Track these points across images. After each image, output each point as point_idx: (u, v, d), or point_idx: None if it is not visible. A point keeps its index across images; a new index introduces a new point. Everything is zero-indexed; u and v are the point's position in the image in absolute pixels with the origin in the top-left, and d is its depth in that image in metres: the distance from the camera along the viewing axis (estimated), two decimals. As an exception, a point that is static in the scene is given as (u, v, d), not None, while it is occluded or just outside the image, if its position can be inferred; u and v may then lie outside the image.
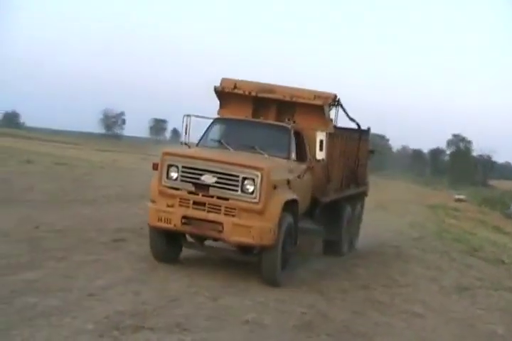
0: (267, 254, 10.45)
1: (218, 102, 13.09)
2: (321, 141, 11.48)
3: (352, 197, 15.61)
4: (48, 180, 20.45)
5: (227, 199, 10.25)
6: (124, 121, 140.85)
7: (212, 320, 8.05)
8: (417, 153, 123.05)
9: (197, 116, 12.05)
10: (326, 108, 12.42)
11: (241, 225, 10.11)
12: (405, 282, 12.63)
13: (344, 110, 13.26)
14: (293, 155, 11.69)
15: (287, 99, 12.44)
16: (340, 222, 14.31)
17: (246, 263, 11.16)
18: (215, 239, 10.85)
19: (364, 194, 17.31)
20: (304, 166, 11.75)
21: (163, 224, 10.44)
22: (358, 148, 15.28)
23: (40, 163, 28.44)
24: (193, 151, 11.16)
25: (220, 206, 10.28)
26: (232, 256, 11.28)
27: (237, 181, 10.21)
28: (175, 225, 10.33)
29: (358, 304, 10.27)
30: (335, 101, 12.62)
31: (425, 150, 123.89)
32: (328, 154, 12.34)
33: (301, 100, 12.38)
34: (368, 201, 23.09)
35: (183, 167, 10.45)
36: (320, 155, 11.55)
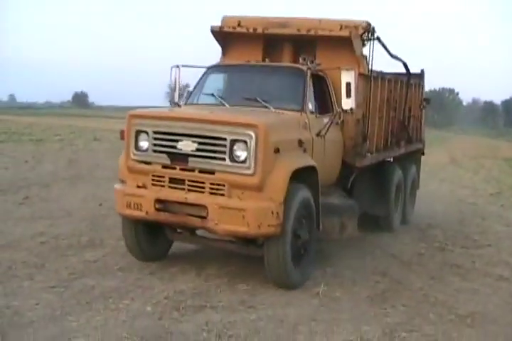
0: (271, 246, 7.42)
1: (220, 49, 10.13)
2: (348, 84, 8.15)
3: (403, 158, 12.39)
4: (112, 156, 18.92)
5: (212, 172, 7.30)
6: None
7: (279, 295, 7.43)
8: (489, 105, 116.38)
9: (187, 66, 9.12)
10: (356, 41, 9.15)
11: (231, 208, 7.13)
12: (485, 242, 11.23)
13: (383, 45, 9.85)
14: (310, 107, 8.47)
15: (304, 32, 9.16)
16: (387, 191, 11.10)
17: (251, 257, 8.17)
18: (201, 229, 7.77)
19: (419, 153, 13.84)
20: (326, 120, 8.34)
21: (132, 212, 7.73)
22: (408, 96, 11.74)
23: (105, 140, 29.63)
24: (166, 111, 8.06)
25: (203, 182, 7.37)
26: (230, 249, 8.19)
27: (224, 146, 7.22)
28: (147, 212, 7.59)
29: (435, 269, 9.11)
30: (368, 32, 9.15)
31: (497, 101, 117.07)
32: (364, 103, 9.35)
33: (322, 32, 9.13)
34: (439, 158, 22.22)
35: (154, 132, 7.65)
36: (347, 103, 8.23)
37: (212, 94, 8.78)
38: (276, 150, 7.16)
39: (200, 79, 9.20)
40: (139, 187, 7.71)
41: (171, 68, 9.00)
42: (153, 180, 7.65)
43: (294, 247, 7.48)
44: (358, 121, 9.33)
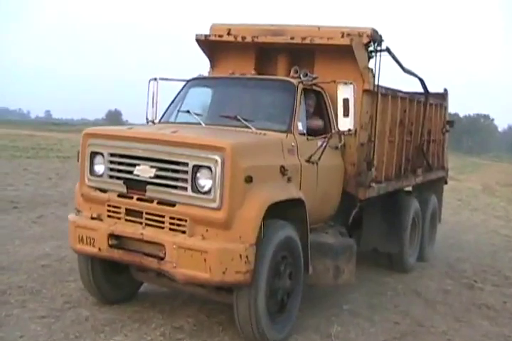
0: (241, 297, 5.94)
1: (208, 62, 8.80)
2: (346, 101, 6.67)
3: (421, 188, 10.82)
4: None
5: (173, 204, 5.87)
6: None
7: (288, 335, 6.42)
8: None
9: (166, 79, 7.84)
10: (360, 51, 7.69)
11: (191, 248, 5.67)
12: None
13: (394, 58, 8.31)
14: (300, 127, 6.96)
15: (299, 41, 7.77)
16: (400, 225, 9.46)
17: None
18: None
19: (441, 182, 12.17)
20: (319, 143, 6.86)
21: (84, 247, 6.39)
22: (426, 118, 10.11)
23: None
24: (123, 129, 6.67)
25: (162, 216, 5.95)
26: (199, 294, 6.69)
27: (186, 173, 5.80)
28: (100, 249, 6.24)
29: (462, 309, 8.10)
30: (374, 42, 7.66)
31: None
32: (370, 124, 7.89)
33: (319, 41, 7.73)
34: (472, 185, 24.45)
35: (110, 155, 6.32)
36: (344, 123, 6.74)
37: (188, 111, 7.34)
38: (249, 179, 5.70)
39: (179, 93, 7.82)
40: (93, 218, 6.36)
41: (149, 81, 7.71)
42: (108, 210, 6.30)
43: (270, 298, 6.00)
44: (362, 145, 7.83)
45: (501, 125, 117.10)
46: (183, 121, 7.37)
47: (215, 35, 8.28)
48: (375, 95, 7.92)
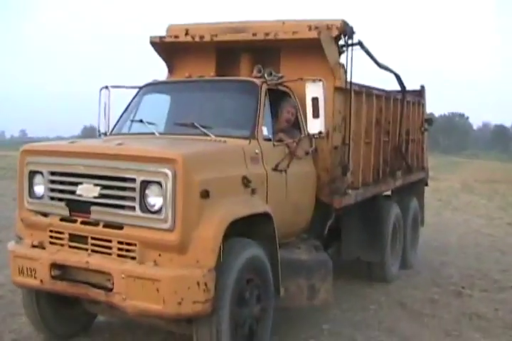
0: (201, 328, 5.08)
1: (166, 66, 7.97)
2: (315, 100, 5.87)
3: (401, 191, 10.03)
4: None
5: (120, 227, 5.04)
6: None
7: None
8: (500, 129, 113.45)
9: (118, 87, 7.01)
10: (329, 45, 6.89)
11: (141, 277, 4.82)
12: (508, 282, 9.35)
13: (368, 52, 7.55)
14: (265, 132, 6.12)
15: (262, 37, 6.96)
16: (380, 232, 8.66)
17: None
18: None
19: (422, 184, 11.39)
20: (287, 149, 6.05)
21: (25, 279, 5.49)
22: (404, 117, 9.31)
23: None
24: (63, 144, 5.83)
25: (109, 241, 5.13)
26: (157, 325, 5.74)
27: (134, 190, 4.97)
28: (42, 281, 5.35)
29: (451, 320, 7.41)
30: (345, 35, 6.86)
31: (508, 124, 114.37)
32: (344, 125, 7.14)
33: (284, 36, 6.90)
34: (450, 184, 23.50)
35: (50, 173, 5.50)
36: (314, 125, 5.94)
37: (141, 121, 6.49)
38: (205, 194, 4.88)
39: (131, 101, 6.96)
40: (34, 246, 5.51)
41: (100, 90, 6.91)
42: (51, 237, 5.47)
43: (236, 327, 5.17)
44: (336, 149, 7.05)
45: (476, 123, 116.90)
46: (137, 131, 6.54)
47: (171, 36, 7.46)
48: (348, 93, 7.14)
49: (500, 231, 14.40)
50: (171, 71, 7.80)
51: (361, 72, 7.35)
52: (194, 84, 6.83)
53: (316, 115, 5.85)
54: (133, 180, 4.92)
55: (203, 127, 5.94)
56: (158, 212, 4.84)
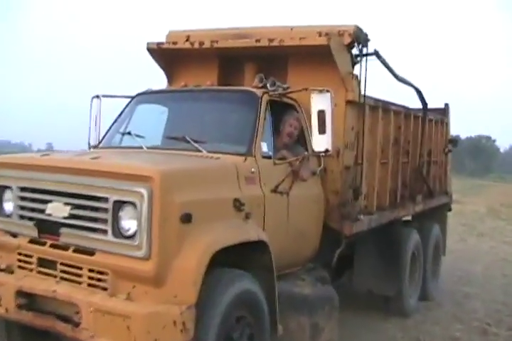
0: None
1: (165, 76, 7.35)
2: (321, 114, 5.15)
3: (421, 217, 9.18)
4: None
5: (91, 252, 4.38)
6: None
7: None
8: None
9: (110, 96, 6.50)
10: (340, 53, 6.21)
11: (110, 312, 4.11)
12: None
13: (384, 63, 6.81)
14: (264, 148, 5.40)
15: (266, 44, 6.29)
16: (398, 262, 7.86)
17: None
18: None
19: (445, 209, 10.56)
20: (289, 168, 5.34)
21: None
22: (425, 135, 8.57)
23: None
24: (35, 157, 5.19)
25: (79, 267, 4.47)
26: None
27: (106, 211, 4.30)
28: (7, 309, 4.71)
29: None
30: (359, 43, 6.16)
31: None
32: (356, 143, 6.42)
33: (290, 42, 6.22)
34: (476, 208, 22.19)
35: (20, 189, 4.90)
36: (320, 142, 5.22)
37: (129, 133, 5.83)
38: (186, 218, 4.18)
39: (122, 112, 6.31)
40: (1, 270, 4.89)
41: (91, 99, 6.31)
42: (19, 260, 4.85)
43: None
44: (347, 169, 6.32)
45: (503, 145, 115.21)
46: (128, 144, 5.87)
47: (170, 43, 6.83)
48: (362, 108, 6.41)
49: (530, 261, 13.49)
50: (170, 80, 7.17)
51: (378, 85, 6.68)
52: (189, 94, 6.16)
53: (322, 130, 5.14)
54: (105, 199, 4.27)
55: (196, 141, 5.27)
56: (133, 237, 4.17)
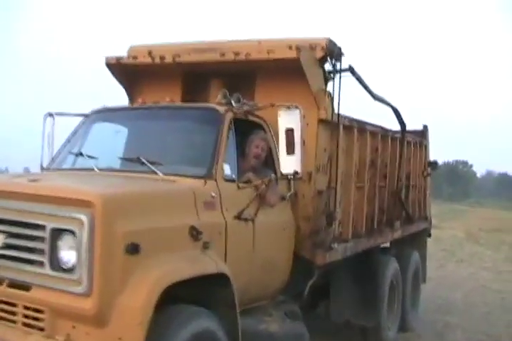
0: None
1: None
2: (289, 133, 4.65)
3: (400, 243, 8.69)
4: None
5: (27, 288, 3.85)
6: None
7: None
8: (504, 177, 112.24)
9: (64, 115, 5.94)
10: (311, 69, 5.75)
11: None
12: None
13: (359, 80, 6.36)
14: (227, 171, 4.87)
15: (231, 58, 5.85)
16: (376, 291, 7.31)
17: None
18: None
19: (424, 235, 10.10)
20: (255, 193, 4.87)
21: None
22: (404, 158, 8.12)
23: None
24: None
25: (14, 304, 3.92)
26: None
27: (43, 241, 3.77)
28: None
29: None
30: (332, 57, 5.71)
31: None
32: (329, 165, 5.90)
33: (257, 56, 5.74)
34: (454, 233, 21.69)
35: None
36: (288, 163, 4.72)
37: (81, 154, 5.30)
38: (132, 249, 3.66)
39: (76, 130, 5.78)
40: None
41: (44, 117, 5.77)
42: None
43: None
44: (320, 194, 5.82)
45: (479, 170, 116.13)
46: (81, 166, 5.33)
47: (130, 58, 6.33)
48: (336, 127, 5.93)
49: (509, 287, 13.04)
50: (131, 98, 6.65)
51: (352, 104, 6.22)
52: (147, 112, 5.65)
53: (290, 151, 4.66)
54: (43, 227, 3.74)
55: (152, 163, 4.74)
56: (72, 270, 3.65)
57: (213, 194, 4.55)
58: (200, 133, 5.17)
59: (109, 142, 5.82)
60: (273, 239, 5.26)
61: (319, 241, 5.77)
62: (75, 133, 5.80)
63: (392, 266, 7.82)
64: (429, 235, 10.29)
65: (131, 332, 3.56)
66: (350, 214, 6.62)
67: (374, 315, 7.23)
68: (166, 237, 3.97)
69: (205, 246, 4.27)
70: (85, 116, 5.90)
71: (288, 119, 4.68)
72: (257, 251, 4.95)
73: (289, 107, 4.70)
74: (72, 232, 3.62)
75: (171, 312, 3.87)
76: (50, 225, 3.70)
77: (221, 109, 5.09)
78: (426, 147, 9.74)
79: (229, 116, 5.05)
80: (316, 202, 5.78)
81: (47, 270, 3.72)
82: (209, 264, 4.20)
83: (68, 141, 5.77)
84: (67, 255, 3.66)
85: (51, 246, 3.71)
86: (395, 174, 8.01)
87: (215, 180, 4.67)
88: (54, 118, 5.77)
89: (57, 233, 3.70)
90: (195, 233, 4.16)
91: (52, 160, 5.71)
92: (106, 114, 5.89)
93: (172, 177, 4.59)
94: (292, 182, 5.26)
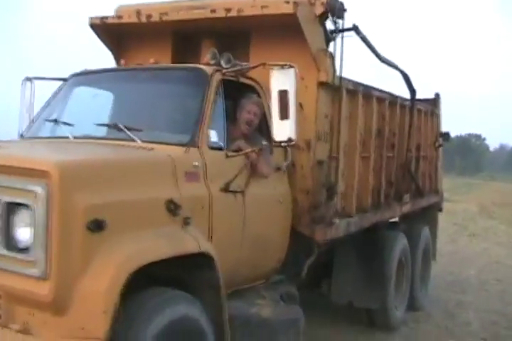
0: None
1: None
2: (283, 95, 4.09)
3: (410, 218, 8.21)
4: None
5: None
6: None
7: None
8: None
9: (42, 79, 5.61)
10: (310, 26, 5.22)
11: None
12: None
13: (365, 41, 5.82)
14: (214, 138, 4.37)
15: (222, 15, 5.29)
16: (382, 271, 6.85)
17: None
18: None
19: (435, 209, 9.59)
20: (244, 161, 4.38)
21: None
22: (413, 127, 7.62)
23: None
24: None
25: None
26: None
27: None
28: None
29: None
30: (333, 14, 5.17)
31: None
32: (331, 133, 5.43)
33: (250, 12, 5.19)
34: (467, 206, 21.05)
35: None
36: (282, 129, 4.15)
37: (55, 120, 4.82)
38: (96, 226, 3.19)
39: (55, 95, 5.30)
40: None
41: (22, 82, 5.45)
42: None
43: None
44: (321, 164, 5.33)
45: (492, 144, 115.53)
46: (59, 134, 4.86)
47: (115, 17, 5.83)
48: (338, 91, 5.40)
49: (524, 265, 12.74)
50: (118, 61, 6.14)
51: (357, 69, 5.66)
52: (129, 74, 5.14)
53: (284, 115, 4.11)
54: None
55: (130, 129, 4.24)
56: (27, 250, 3.19)
57: (196, 163, 4.05)
58: (184, 97, 4.67)
59: (89, 108, 5.33)
60: (267, 213, 4.77)
61: (319, 216, 5.30)
62: (53, 98, 5.33)
63: (401, 242, 7.37)
64: (441, 209, 9.81)
65: (94, 321, 3.11)
66: (354, 187, 6.15)
67: (380, 295, 6.82)
68: (137, 212, 3.48)
69: (186, 222, 3.78)
70: (65, 80, 5.42)
71: (281, 80, 4.14)
72: (248, 226, 4.46)
73: (282, 66, 4.16)
74: (27, 207, 3.15)
75: (143, 298, 3.40)
76: (4, 199, 3.25)
77: (208, 69, 4.56)
78: (438, 116, 9.22)
79: (217, 77, 4.52)
80: (315, 174, 5.30)
81: (1, 249, 3.26)
82: (190, 242, 3.72)
83: (46, 106, 5.31)
84: (23, 232, 3.21)
85: (5, 223, 3.25)
86: (404, 144, 7.51)
87: (199, 148, 4.16)
88: (33, 83, 5.43)
89: (12, 207, 3.24)
90: (172, 207, 3.67)
91: (28, 127, 5.25)
92: (86, 78, 5.39)
93: (151, 145, 4.09)
94: (289, 150, 4.78)
